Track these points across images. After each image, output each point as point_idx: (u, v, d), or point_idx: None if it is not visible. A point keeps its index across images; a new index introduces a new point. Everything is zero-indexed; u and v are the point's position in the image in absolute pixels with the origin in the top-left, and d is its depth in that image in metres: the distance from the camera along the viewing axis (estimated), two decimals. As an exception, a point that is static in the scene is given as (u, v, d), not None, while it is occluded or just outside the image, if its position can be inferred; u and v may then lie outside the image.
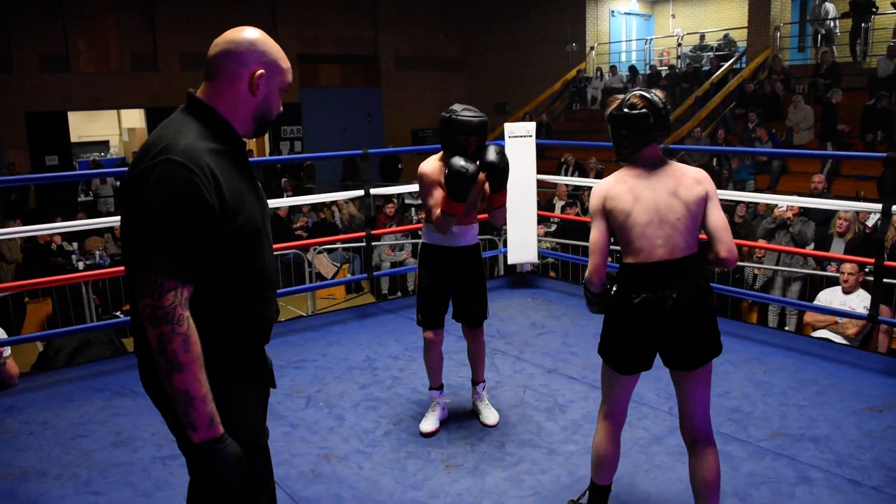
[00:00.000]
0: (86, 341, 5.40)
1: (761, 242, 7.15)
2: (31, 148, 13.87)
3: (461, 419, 3.60)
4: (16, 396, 4.01)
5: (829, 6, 13.18)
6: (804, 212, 7.56)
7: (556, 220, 9.53)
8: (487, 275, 8.25)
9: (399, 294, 9.03)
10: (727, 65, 13.91)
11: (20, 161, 13.71)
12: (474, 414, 3.65)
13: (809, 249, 7.09)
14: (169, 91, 15.04)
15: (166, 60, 15.11)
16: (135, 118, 17.77)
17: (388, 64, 18.22)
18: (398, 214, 10.15)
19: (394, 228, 8.87)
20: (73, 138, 15.35)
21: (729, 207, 8.63)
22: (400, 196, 11.38)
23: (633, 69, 15.67)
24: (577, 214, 9.51)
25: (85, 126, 17.19)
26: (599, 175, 12.06)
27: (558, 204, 10.22)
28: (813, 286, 6.75)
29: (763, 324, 6.60)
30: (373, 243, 5.67)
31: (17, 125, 13.72)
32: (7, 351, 4.12)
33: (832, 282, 6.12)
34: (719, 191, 8.05)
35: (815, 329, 5.59)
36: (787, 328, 6.56)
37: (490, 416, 3.57)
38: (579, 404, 3.75)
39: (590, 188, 10.14)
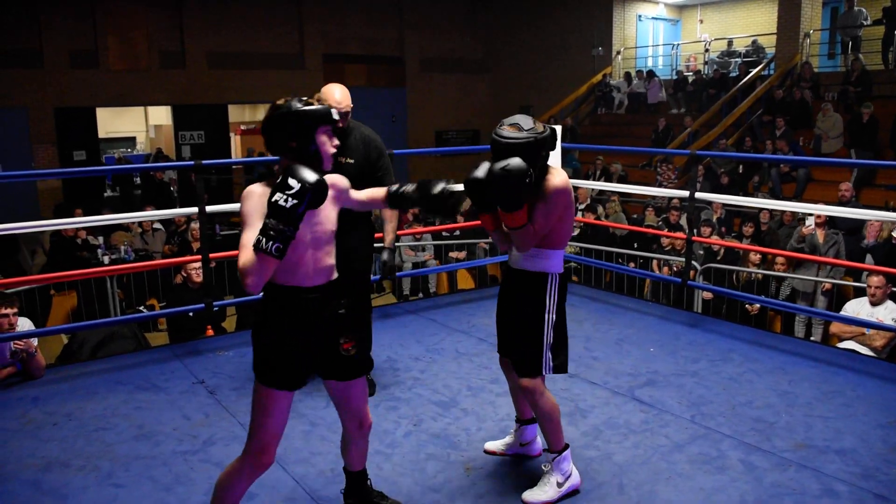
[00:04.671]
0: (109, 335, 5.45)
1: (787, 253, 7.07)
2: (60, 143, 14.04)
3: (482, 421, 3.58)
4: (41, 387, 4.06)
5: (862, 10, 12.97)
6: (831, 221, 7.47)
7: (577, 224, 9.48)
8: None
9: (420, 295, 9.02)
10: (755, 71, 13.78)
11: (48, 156, 13.88)
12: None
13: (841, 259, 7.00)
14: (196, 89, 15.18)
15: (193, 58, 15.23)
16: (161, 115, 17.94)
17: (412, 65, 18.25)
18: (421, 214, 10.14)
19: (417, 229, 8.87)
20: (101, 134, 15.52)
21: (752, 215, 8.56)
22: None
23: (650, 73, 15.58)
24: (596, 219, 9.46)
25: (112, 122, 17.38)
26: (622, 179, 12.00)
27: (580, 208, 10.17)
28: (840, 297, 6.67)
29: (788, 333, 6.51)
30: (396, 244, 5.67)
31: (46, 120, 13.88)
32: (35, 342, 4.19)
33: (860, 292, 6.04)
34: (749, 198, 7.93)
35: (841, 340, 5.51)
36: (812, 338, 6.47)
37: (532, 495, 2.91)
38: (601, 410, 3.72)
39: (615, 193, 10.12)
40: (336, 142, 2.41)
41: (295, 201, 2.15)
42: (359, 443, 2.67)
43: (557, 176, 2.78)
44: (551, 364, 2.88)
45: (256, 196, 2.29)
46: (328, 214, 2.41)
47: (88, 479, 3.10)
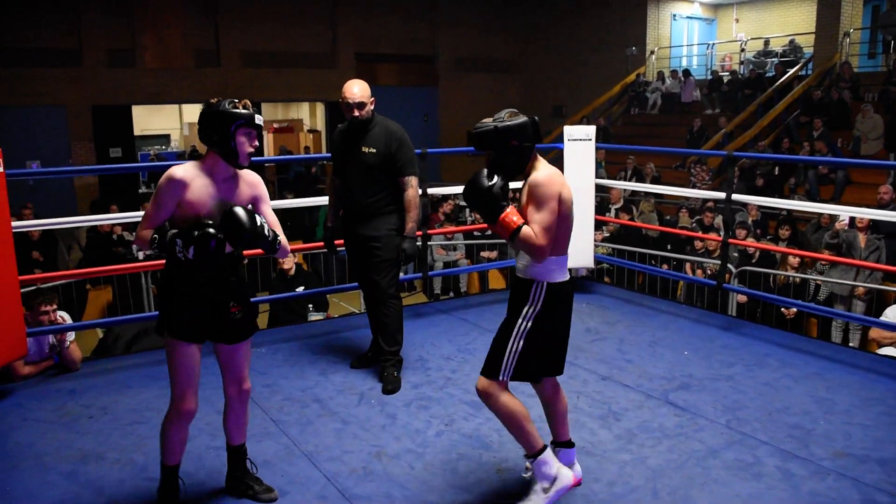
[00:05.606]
0: (143, 330, 5.51)
1: (823, 256, 6.93)
2: (97, 140, 14.27)
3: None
4: (77, 380, 4.12)
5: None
6: (874, 226, 7.31)
7: (610, 224, 9.39)
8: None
9: (451, 294, 9.01)
10: (792, 71, 13.56)
11: (85, 152, 14.11)
12: None
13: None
14: (230, 87, 15.30)
15: (228, 57, 15.39)
16: (195, 113, 18.08)
17: (445, 65, 18.25)
18: (453, 214, 10.13)
19: (449, 228, 8.86)
20: (136, 131, 15.75)
21: (788, 217, 8.41)
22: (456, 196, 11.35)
23: (686, 72, 15.41)
24: (629, 219, 9.37)
25: (147, 120, 17.61)
26: (656, 180, 11.88)
27: (613, 209, 10.08)
28: (880, 302, 6.53)
29: (825, 338, 6.39)
30: (428, 243, 5.66)
31: (84, 118, 14.13)
32: (71, 336, 4.26)
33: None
34: (786, 201, 7.75)
35: (880, 346, 5.39)
36: (851, 344, 6.34)
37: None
38: (634, 413, 3.68)
39: (648, 194, 10.01)
40: (256, 143, 2.70)
41: (190, 255, 2.58)
42: (237, 409, 2.89)
43: (541, 170, 2.69)
44: (511, 371, 2.73)
45: (176, 184, 2.61)
46: (238, 201, 2.72)
47: (124, 472, 3.14)
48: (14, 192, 3.87)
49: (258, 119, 2.68)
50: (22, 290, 4.01)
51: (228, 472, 2.98)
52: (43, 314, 4.18)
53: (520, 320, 2.73)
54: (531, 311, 2.73)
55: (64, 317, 4.33)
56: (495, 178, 2.66)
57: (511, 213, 2.64)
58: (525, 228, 2.62)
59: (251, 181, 2.82)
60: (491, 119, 2.76)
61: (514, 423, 2.74)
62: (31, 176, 9.41)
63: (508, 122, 2.69)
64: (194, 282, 2.70)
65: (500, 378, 2.73)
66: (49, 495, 2.97)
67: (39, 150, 13.43)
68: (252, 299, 5.12)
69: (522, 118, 2.72)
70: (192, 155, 15.86)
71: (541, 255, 2.65)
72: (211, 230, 2.58)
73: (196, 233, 2.57)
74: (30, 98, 13.50)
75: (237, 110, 2.63)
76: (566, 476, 2.80)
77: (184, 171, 2.64)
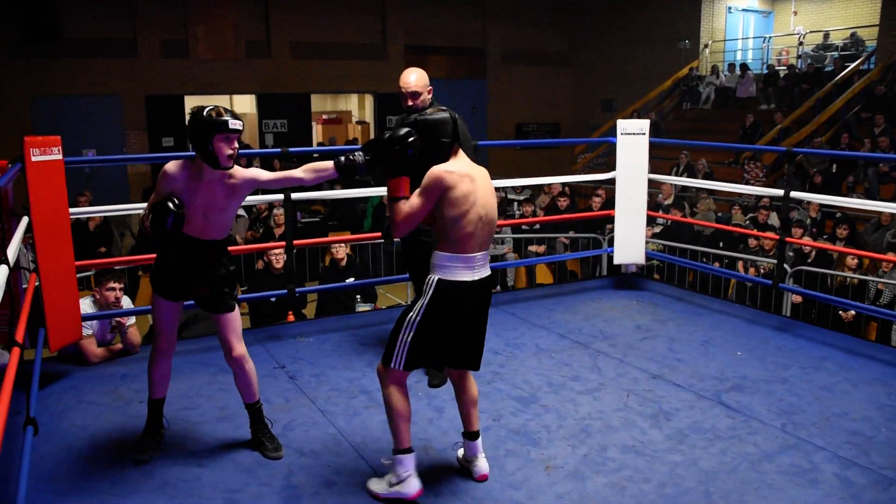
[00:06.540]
0: (193, 317, 5.58)
1: (884, 256, 6.70)
2: (150, 129, 14.55)
3: (563, 419, 3.51)
4: (129, 365, 4.19)
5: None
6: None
7: (661, 220, 9.23)
8: (589, 274, 8.06)
9: (498, 288, 8.95)
10: (853, 65, 13.14)
11: (139, 141, 14.40)
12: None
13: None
14: (280, 78, 15.46)
15: (278, 48, 15.53)
16: (246, 104, 18.35)
17: (494, 57, 18.13)
18: (501, 207, 10.05)
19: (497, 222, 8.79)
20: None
21: (847, 216, 8.15)
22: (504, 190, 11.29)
23: (743, 66, 15.04)
24: (682, 216, 9.19)
25: (198, 110, 17.86)
26: (708, 176, 11.64)
27: (663, 204, 9.89)
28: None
29: (885, 342, 6.17)
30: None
31: (137, 107, 14.40)
32: (132, 320, 4.34)
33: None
34: (847, 199, 7.49)
35: (945, 351, 5.18)
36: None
37: (372, 482, 2.93)
38: (685, 413, 3.59)
39: (703, 190, 9.80)
40: (235, 146, 2.95)
41: (154, 233, 2.94)
42: (236, 373, 3.18)
43: (445, 165, 2.77)
44: (403, 360, 2.81)
45: (167, 178, 2.99)
46: (215, 200, 3.01)
47: (174, 456, 3.18)
48: (70, 180, 3.93)
49: (233, 124, 2.92)
50: (87, 274, 4.07)
51: (251, 423, 3.26)
52: (109, 290, 4.27)
53: (412, 312, 2.82)
54: (422, 303, 2.80)
55: (125, 301, 4.41)
56: (412, 138, 2.78)
57: (404, 181, 2.80)
58: (400, 203, 2.79)
59: (242, 176, 3.03)
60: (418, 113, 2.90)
61: (392, 416, 2.84)
62: (88, 164, 9.60)
63: (427, 118, 2.81)
64: (168, 257, 3.11)
65: (393, 366, 2.82)
66: (101, 476, 3.02)
67: (95, 138, 13.74)
68: (300, 289, 5.19)
69: (443, 115, 2.81)
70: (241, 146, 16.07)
71: (395, 231, 2.87)
72: (170, 204, 2.90)
73: (157, 205, 2.92)
74: (86, 87, 13.81)
75: (213, 118, 2.90)
76: (412, 486, 2.82)
77: (175, 167, 3.00)
